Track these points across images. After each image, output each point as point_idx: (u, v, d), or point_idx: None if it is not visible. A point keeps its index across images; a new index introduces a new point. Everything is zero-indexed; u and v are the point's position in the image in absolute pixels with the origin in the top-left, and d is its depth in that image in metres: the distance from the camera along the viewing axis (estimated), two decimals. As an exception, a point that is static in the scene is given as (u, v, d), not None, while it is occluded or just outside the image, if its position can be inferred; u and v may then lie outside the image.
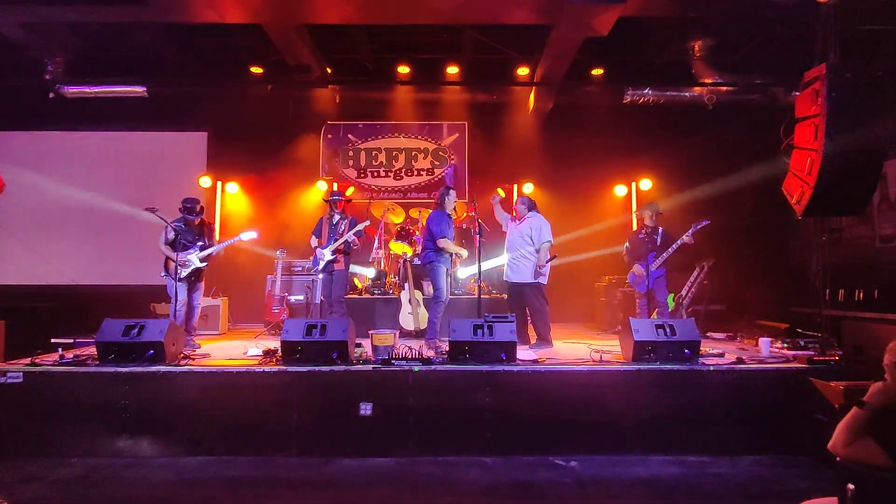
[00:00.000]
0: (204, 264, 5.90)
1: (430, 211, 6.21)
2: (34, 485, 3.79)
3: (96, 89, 7.56)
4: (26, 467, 4.06)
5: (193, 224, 5.96)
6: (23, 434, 4.31)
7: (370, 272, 7.57)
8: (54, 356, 4.72)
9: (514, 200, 6.26)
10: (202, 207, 6.11)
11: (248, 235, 6.25)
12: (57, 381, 4.37)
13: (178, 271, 5.65)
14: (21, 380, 4.34)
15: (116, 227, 8.45)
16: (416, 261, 7.21)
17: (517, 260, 5.92)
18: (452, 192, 6.07)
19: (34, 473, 3.96)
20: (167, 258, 5.77)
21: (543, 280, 5.87)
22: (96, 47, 7.31)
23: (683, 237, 6.14)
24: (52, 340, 5.37)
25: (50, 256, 8.40)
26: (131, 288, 8.13)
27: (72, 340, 5.52)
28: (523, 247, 5.89)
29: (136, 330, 4.60)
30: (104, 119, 8.42)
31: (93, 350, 4.73)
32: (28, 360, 4.61)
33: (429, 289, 7.10)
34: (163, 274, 5.83)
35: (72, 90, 7.53)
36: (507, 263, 6.06)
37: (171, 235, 5.74)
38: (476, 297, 5.78)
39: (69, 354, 4.84)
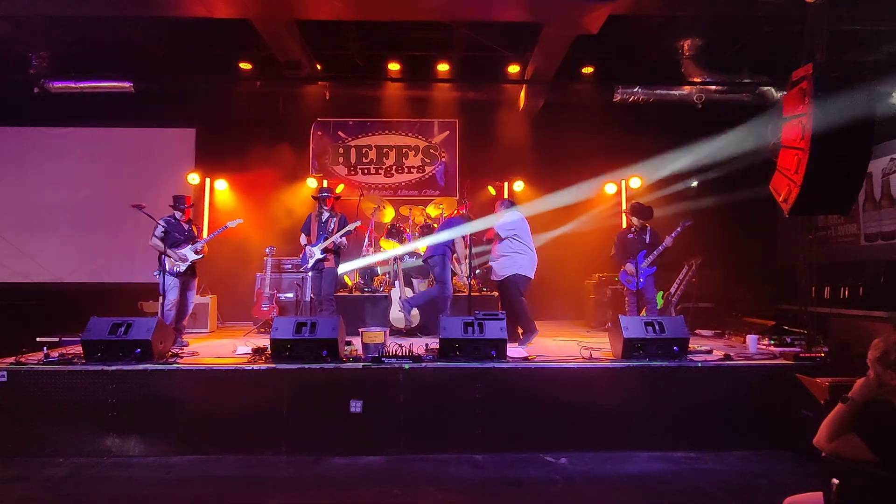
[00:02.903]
0: (200, 256, 5.89)
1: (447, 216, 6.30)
2: (20, 484, 3.74)
3: (82, 84, 7.46)
4: (12, 467, 4.01)
5: (183, 220, 5.96)
6: (8, 433, 4.25)
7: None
8: (39, 355, 4.65)
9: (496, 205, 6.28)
10: (192, 203, 6.12)
11: (234, 222, 6.28)
12: (42, 380, 4.30)
13: (176, 266, 5.68)
14: (5, 378, 4.28)
15: (103, 225, 8.37)
16: (408, 259, 7.20)
17: (494, 258, 5.95)
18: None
19: (20, 473, 3.91)
20: (160, 256, 5.71)
21: (522, 272, 5.77)
22: (82, 42, 7.21)
23: (665, 242, 6.21)
24: (38, 339, 5.30)
25: (35, 254, 8.29)
26: (118, 286, 8.06)
27: (57, 339, 5.45)
28: (497, 244, 5.92)
29: (123, 328, 4.55)
30: (90, 115, 8.32)
31: (79, 349, 4.67)
32: (13, 359, 4.54)
33: (420, 286, 7.10)
34: (157, 273, 5.73)
35: (57, 85, 7.42)
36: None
37: (162, 230, 5.70)
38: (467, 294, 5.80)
39: (54, 353, 4.78)
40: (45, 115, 8.27)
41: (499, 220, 5.94)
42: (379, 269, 7.45)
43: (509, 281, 5.78)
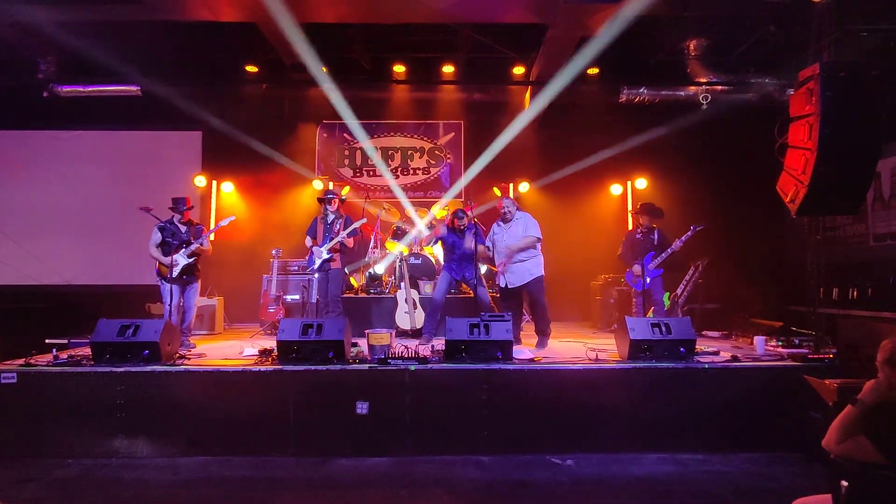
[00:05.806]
0: (191, 260, 5.79)
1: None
2: (30, 485, 3.77)
3: (90, 88, 7.52)
4: (22, 468, 4.05)
5: (182, 223, 5.91)
6: (18, 435, 4.29)
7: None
8: (48, 357, 4.70)
9: (500, 204, 6.07)
10: (191, 205, 6.10)
11: (226, 220, 6.17)
12: (51, 382, 4.35)
13: (170, 272, 5.63)
14: (14, 380, 4.32)
15: (111, 227, 8.41)
16: (413, 260, 7.21)
17: (516, 263, 5.78)
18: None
19: (30, 474, 3.94)
20: (158, 262, 5.75)
21: (542, 272, 5.81)
22: (90, 46, 7.24)
23: (673, 246, 6.17)
24: (47, 341, 5.34)
25: (44, 257, 8.35)
26: (126, 288, 8.09)
27: (66, 341, 5.49)
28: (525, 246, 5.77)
29: (132, 330, 4.59)
30: (98, 118, 8.36)
31: (87, 350, 4.71)
32: (22, 361, 4.58)
33: (426, 288, 7.10)
34: (159, 280, 5.80)
35: (65, 89, 7.48)
36: (502, 271, 5.84)
37: (158, 237, 5.72)
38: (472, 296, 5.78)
39: (63, 355, 4.81)
40: (53, 118, 8.33)
41: (526, 222, 5.84)
42: (383, 270, 7.45)
43: (539, 281, 5.78)
